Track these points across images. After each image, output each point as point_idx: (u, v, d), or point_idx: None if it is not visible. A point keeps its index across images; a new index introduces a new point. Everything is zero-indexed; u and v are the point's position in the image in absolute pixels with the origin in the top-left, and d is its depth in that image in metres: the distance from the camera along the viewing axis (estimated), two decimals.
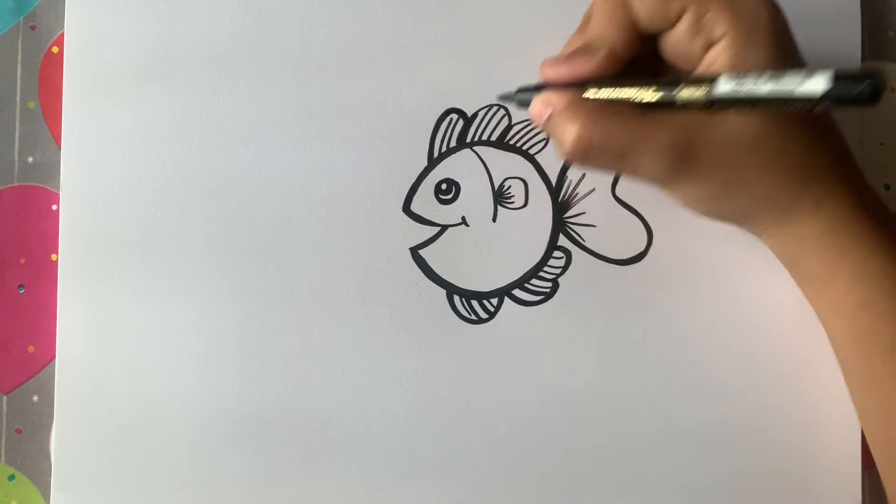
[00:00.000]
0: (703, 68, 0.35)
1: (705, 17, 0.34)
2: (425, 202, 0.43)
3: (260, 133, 0.42)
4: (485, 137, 0.43)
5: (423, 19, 0.43)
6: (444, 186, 0.43)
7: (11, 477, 0.42)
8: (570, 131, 0.34)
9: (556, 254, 0.43)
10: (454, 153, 0.43)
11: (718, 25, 0.34)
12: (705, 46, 0.35)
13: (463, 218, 0.43)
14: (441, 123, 0.43)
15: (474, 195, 0.43)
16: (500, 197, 0.43)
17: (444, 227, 0.43)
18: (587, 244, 0.43)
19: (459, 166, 0.43)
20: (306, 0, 0.42)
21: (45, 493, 0.42)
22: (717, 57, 0.35)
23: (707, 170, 0.35)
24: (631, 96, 0.34)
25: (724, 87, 0.33)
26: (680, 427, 0.42)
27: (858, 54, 0.43)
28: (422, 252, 0.42)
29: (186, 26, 0.42)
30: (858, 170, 0.38)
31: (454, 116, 0.43)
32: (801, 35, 0.43)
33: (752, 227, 0.38)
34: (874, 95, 0.30)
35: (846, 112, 0.43)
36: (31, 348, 0.42)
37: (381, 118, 0.42)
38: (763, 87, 0.32)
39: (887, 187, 0.44)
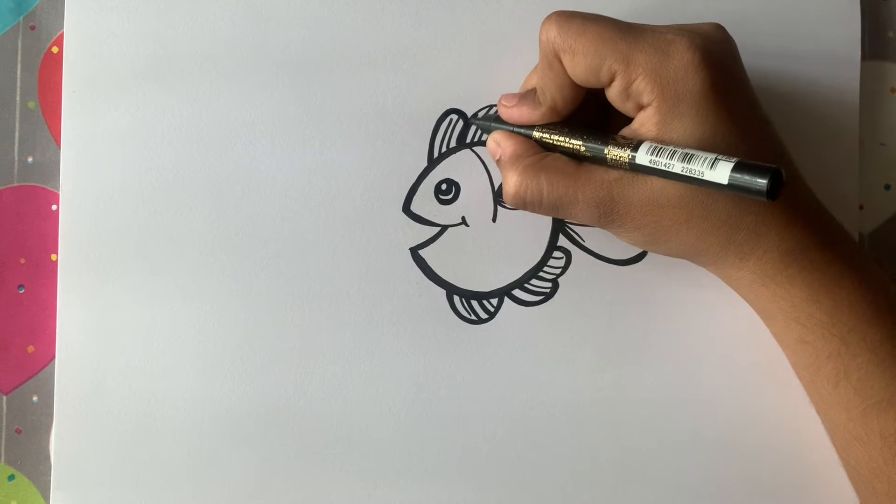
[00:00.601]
0: (636, 126, 0.36)
1: (633, 84, 0.35)
2: (425, 202, 0.43)
3: (260, 133, 0.42)
4: (485, 138, 0.43)
5: (423, 19, 0.43)
6: (444, 186, 0.43)
7: (11, 477, 0.42)
8: (509, 182, 0.38)
9: (556, 254, 0.43)
10: (454, 153, 0.43)
11: (645, 94, 0.35)
12: (636, 109, 0.36)
13: (463, 218, 0.43)
14: (441, 123, 0.43)
15: (474, 195, 0.43)
16: (501, 197, 0.43)
17: (444, 227, 0.43)
18: (587, 244, 0.43)
19: (459, 166, 0.43)
20: (306, 0, 0.42)
21: (45, 493, 0.42)
22: (645, 121, 0.36)
23: (632, 222, 0.37)
24: (570, 147, 0.37)
25: (642, 158, 0.35)
26: (680, 427, 0.42)
27: (858, 54, 0.43)
28: (422, 252, 0.42)
29: (186, 26, 0.42)
30: (805, 208, 0.37)
31: (454, 117, 0.43)
32: (801, 35, 0.43)
33: (696, 263, 0.39)
34: (772, 192, 0.31)
35: (845, 112, 0.43)
36: (30, 348, 0.42)
37: (381, 118, 0.42)
38: (675, 165, 0.34)
39: (887, 187, 0.44)
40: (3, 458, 0.42)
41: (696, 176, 0.33)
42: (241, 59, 0.42)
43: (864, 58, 0.44)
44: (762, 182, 0.31)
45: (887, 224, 0.44)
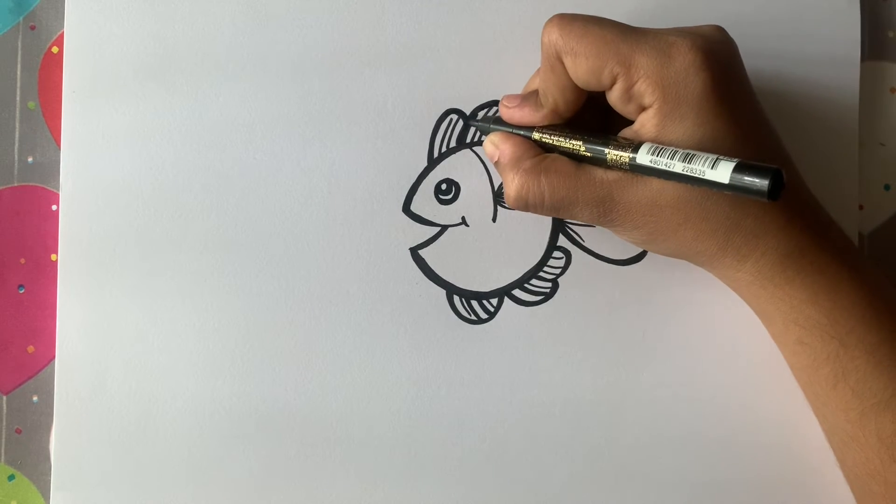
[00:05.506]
0: (636, 127, 0.36)
1: (634, 87, 0.35)
2: (425, 202, 0.43)
3: (260, 133, 0.42)
4: (484, 138, 0.43)
5: (423, 19, 0.43)
6: (444, 186, 0.43)
7: (11, 477, 0.42)
8: (511, 185, 0.38)
9: (556, 254, 0.43)
10: (454, 153, 0.43)
11: (647, 96, 0.35)
12: (637, 111, 0.36)
13: (463, 218, 0.43)
14: (441, 123, 0.43)
15: (474, 195, 0.43)
16: (500, 197, 0.43)
17: (444, 227, 0.43)
18: (587, 244, 0.43)
19: (459, 166, 0.43)
20: (306, 0, 0.42)
21: (45, 493, 0.42)
22: (646, 122, 0.36)
23: (631, 222, 0.37)
24: (569, 147, 0.37)
25: (643, 158, 0.35)
26: (679, 427, 0.42)
27: (858, 54, 0.43)
28: (422, 252, 0.42)
29: (186, 26, 0.42)
30: (804, 210, 0.37)
31: (454, 116, 0.43)
32: (801, 35, 0.43)
33: (694, 263, 0.39)
34: (773, 192, 0.31)
35: (845, 112, 0.43)
36: (31, 348, 0.42)
37: (381, 118, 0.42)
38: (676, 165, 0.34)
39: (887, 187, 0.44)
40: (3, 458, 0.42)
41: (697, 175, 0.33)
42: (241, 59, 0.42)
43: (863, 58, 0.44)
44: (763, 182, 0.31)
45: (887, 224, 0.44)
